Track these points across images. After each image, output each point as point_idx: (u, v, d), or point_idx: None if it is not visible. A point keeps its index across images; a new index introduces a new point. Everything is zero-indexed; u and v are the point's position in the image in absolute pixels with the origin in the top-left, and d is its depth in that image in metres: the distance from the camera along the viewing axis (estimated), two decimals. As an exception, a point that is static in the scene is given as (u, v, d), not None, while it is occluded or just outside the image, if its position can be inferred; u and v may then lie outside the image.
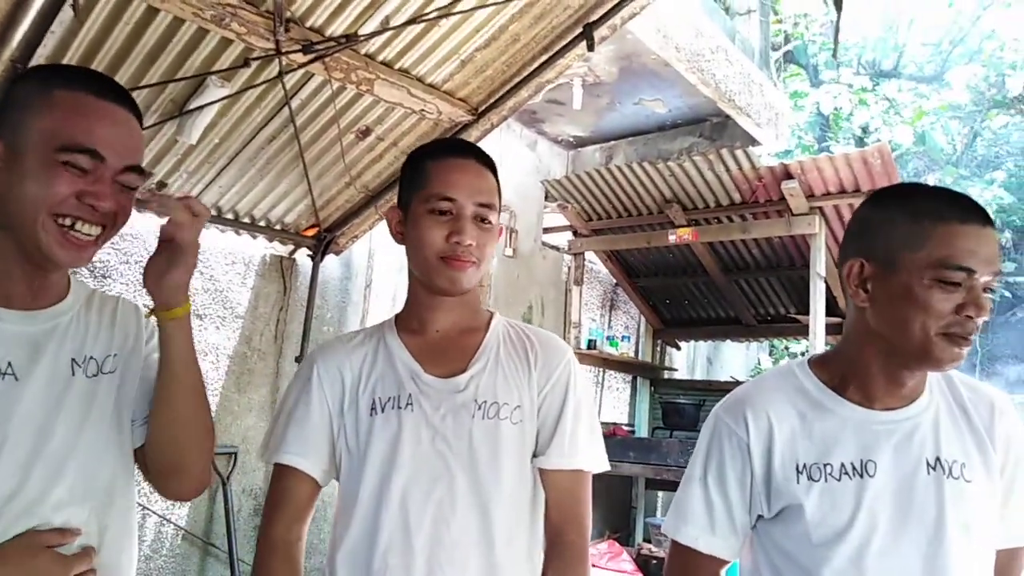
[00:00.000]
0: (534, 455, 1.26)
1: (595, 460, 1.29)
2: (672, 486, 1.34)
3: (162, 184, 2.98)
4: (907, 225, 1.12)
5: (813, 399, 1.20)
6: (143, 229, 3.10)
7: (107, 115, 1.06)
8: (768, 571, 1.19)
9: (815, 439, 1.17)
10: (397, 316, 1.36)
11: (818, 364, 1.25)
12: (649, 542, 5.07)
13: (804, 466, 1.15)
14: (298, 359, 3.67)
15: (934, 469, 1.13)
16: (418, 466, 1.20)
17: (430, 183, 1.25)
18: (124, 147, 1.06)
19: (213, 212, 3.24)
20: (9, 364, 1.05)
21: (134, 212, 1.12)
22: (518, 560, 1.22)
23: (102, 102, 1.06)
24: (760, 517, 1.20)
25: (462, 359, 1.28)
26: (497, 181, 1.31)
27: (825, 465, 1.14)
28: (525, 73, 2.87)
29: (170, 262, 1.05)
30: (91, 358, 1.14)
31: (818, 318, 4.43)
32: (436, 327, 1.30)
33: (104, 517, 1.11)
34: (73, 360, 1.12)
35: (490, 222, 1.27)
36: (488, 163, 1.31)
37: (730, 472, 1.20)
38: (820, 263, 4.48)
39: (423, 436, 1.21)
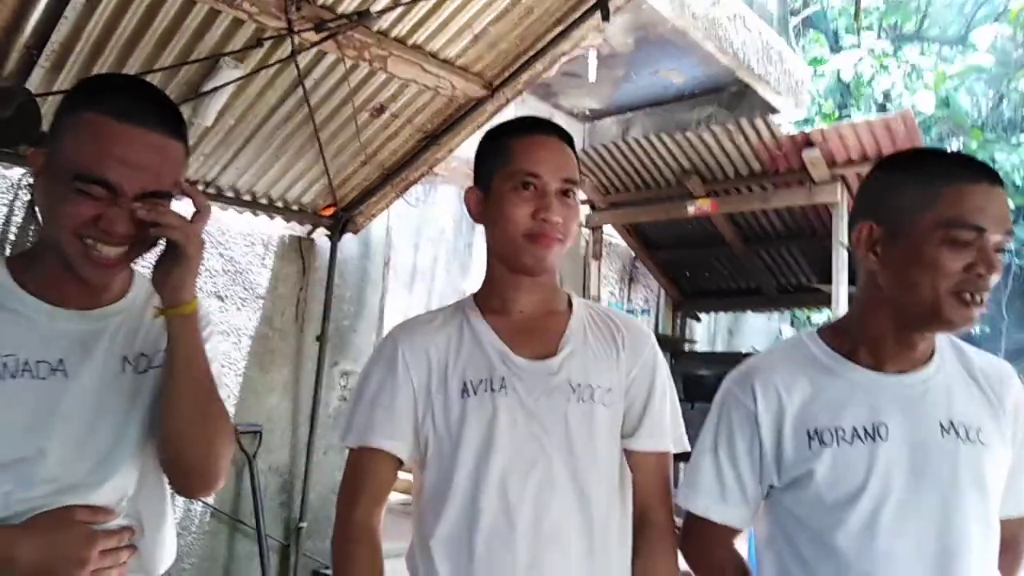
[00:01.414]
0: (621, 436, 1.27)
1: (680, 441, 1.30)
2: (694, 458, 1.34)
3: (179, 167, 2.99)
4: (916, 187, 1.12)
5: (823, 365, 1.21)
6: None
7: (127, 141, 1.03)
8: (782, 538, 1.20)
9: (826, 404, 1.17)
10: (475, 296, 1.34)
11: (828, 332, 1.26)
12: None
13: (815, 431, 1.16)
14: (319, 338, 3.70)
15: (948, 432, 1.13)
16: (515, 450, 1.19)
17: (514, 160, 1.24)
18: (144, 173, 1.04)
19: (230, 193, 3.26)
20: (61, 361, 1.09)
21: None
22: (613, 541, 1.23)
23: (124, 126, 1.03)
24: (772, 486, 1.21)
25: (550, 341, 1.27)
26: (577, 158, 1.31)
27: (837, 429, 1.15)
28: (539, 46, 2.84)
29: (174, 261, 1.07)
30: (143, 355, 1.17)
31: (841, 287, 4.38)
32: (520, 308, 1.29)
33: (140, 507, 1.14)
34: (124, 358, 1.15)
35: (574, 198, 1.26)
36: (569, 140, 1.30)
37: (740, 443, 1.21)
38: (843, 232, 4.42)
39: (519, 419, 1.20)
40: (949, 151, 1.19)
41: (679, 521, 1.30)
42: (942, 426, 1.13)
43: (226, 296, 3.47)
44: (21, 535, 1.01)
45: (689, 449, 1.32)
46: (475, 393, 1.22)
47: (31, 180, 2.76)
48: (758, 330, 7.77)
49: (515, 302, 1.29)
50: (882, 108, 10.41)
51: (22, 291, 1.10)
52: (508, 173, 1.24)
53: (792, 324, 9.02)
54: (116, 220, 1.04)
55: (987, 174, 1.11)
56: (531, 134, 1.27)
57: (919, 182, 1.12)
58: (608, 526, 1.22)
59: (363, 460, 1.26)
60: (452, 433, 1.22)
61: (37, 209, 1.12)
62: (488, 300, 1.32)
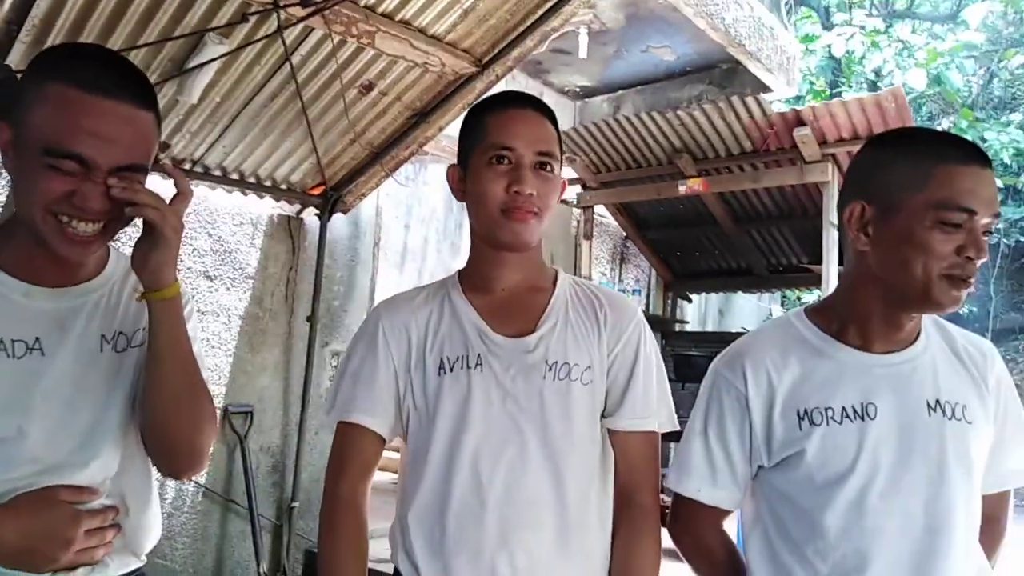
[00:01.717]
0: (603, 416, 1.24)
1: (666, 420, 1.27)
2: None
3: (165, 145, 2.95)
4: (908, 167, 1.12)
5: (812, 346, 1.21)
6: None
7: (99, 115, 0.99)
8: (770, 518, 1.20)
9: (816, 385, 1.17)
10: (460, 273, 1.33)
11: (816, 312, 1.26)
12: (663, 492, 5.14)
13: (805, 412, 1.16)
14: (309, 319, 3.68)
15: (935, 411, 1.14)
16: (489, 427, 1.18)
17: (488, 135, 1.23)
18: (117, 147, 1.01)
19: (218, 172, 3.23)
20: (37, 339, 1.06)
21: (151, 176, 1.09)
22: (590, 522, 1.21)
23: (94, 98, 0.99)
24: (760, 467, 1.21)
25: (530, 318, 1.25)
26: (557, 131, 1.28)
27: (827, 409, 1.15)
28: (529, 21, 2.80)
29: (152, 244, 1.04)
30: (121, 333, 1.14)
31: (831, 267, 4.39)
32: (502, 285, 1.27)
33: (124, 486, 1.13)
34: (103, 336, 1.12)
35: (552, 171, 1.23)
36: (547, 112, 1.28)
37: (730, 425, 1.21)
38: (833, 211, 4.41)
39: (493, 397, 1.19)
40: (940, 131, 1.18)
41: (668, 499, 1.30)
42: (929, 405, 1.14)
43: (215, 276, 3.44)
44: (4, 516, 1.00)
45: (679, 428, 1.29)
46: (451, 370, 1.22)
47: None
48: (748, 310, 7.80)
49: (497, 279, 1.28)
50: (873, 86, 10.40)
51: None
52: (483, 148, 1.23)
53: (782, 304, 9.06)
54: (90, 196, 1.00)
55: (978, 156, 1.11)
56: (507, 108, 1.25)
57: (911, 162, 1.12)
58: (585, 506, 1.20)
59: (347, 435, 1.26)
60: (429, 409, 1.22)
61: (11, 187, 1.07)
62: (471, 277, 1.31)
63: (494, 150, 1.21)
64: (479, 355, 1.22)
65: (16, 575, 1.01)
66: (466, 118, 1.31)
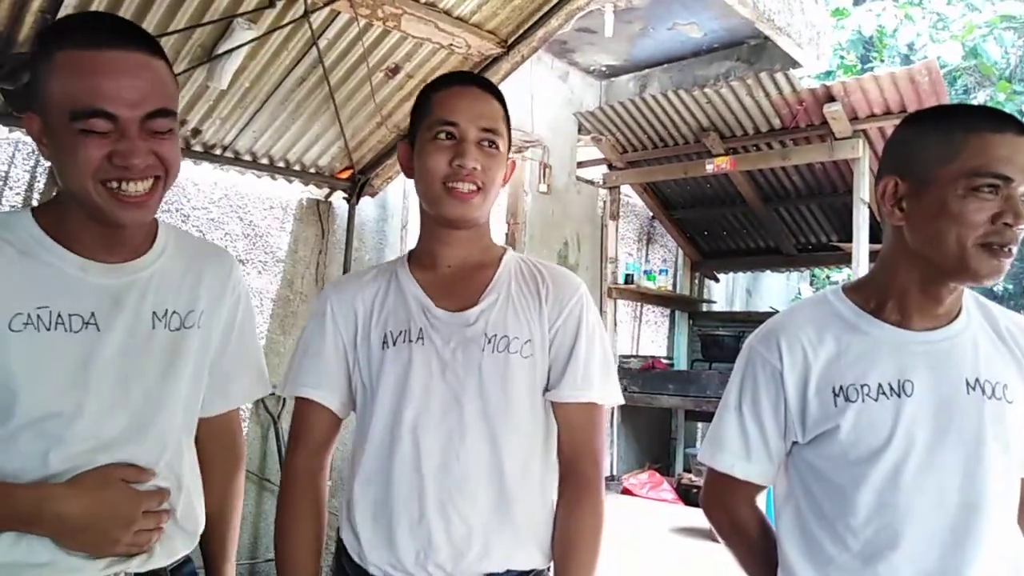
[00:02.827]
0: (547, 389, 1.26)
1: (608, 394, 1.28)
2: (711, 417, 1.33)
3: (196, 131, 3.00)
4: (940, 139, 1.10)
5: (849, 323, 1.19)
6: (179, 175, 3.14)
7: (112, 67, 0.98)
8: (802, 494, 1.20)
9: (851, 361, 1.16)
10: (411, 252, 1.37)
11: (853, 289, 1.24)
12: (689, 472, 5.14)
13: (841, 388, 1.15)
14: (339, 301, 3.72)
15: (974, 389, 1.12)
16: (429, 398, 1.21)
17: (433, 111, 1.25)
18: (139, 95, 0.99)
19: (248, 157, 3.26)
20: (92, 315, 1.06)
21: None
22: (531, 492, 1.24)
23: (105, 53, 0.99)
24: (795, 443, 1.21)
25: (473, 293, 1.27)
26: (504, 110, 1.30)
27: (862, 386, 1.14)
28: (554, 1, 2.79)
29: None
30: (174, 312, 1.15)
31: (861, 245, 4.33)
32: (448, 262, 1.30)
33: (179, 467, 1.15)
34: (154, 314, 1.13)
35: (496, 148, 1.25)
36: (492, 90, 1.30)
37: (764, 401, 1.20)
38: (864, 188, 4.35)
39: (433, 369, 1.22)
40: (977, 104, 1.16)
41: (698, 479, 1.30)
42: (968, 383, 1.13)
43: (247, 260, 3.50)
44: (68, 493, 1.01)
45: (623, 402, 1.32)
46: (394, 344, 1.25)
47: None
48: (777, 290, 7.72)
49: (442, 257, 1.30)
50: (906, 60, 10.17)
51: (54, 242, 1.07)
52: (428, 124, 1.25)
53: (811, 283, 8.95)
54: (131, 153, 1.00)
55: (1013, 124, 1.08)
56: (451, 86, 1.28)
57: (943, 134, 1.10)
58: (526, 478, 1.22)
59: (299, 410, 1.31)
60: (372, 383, 1.26)
61: (55, 171, 1.09)
62: (419, 255, 1.34)
63: (438, 125, 1.23)
64: (421, 329, 1.25)
65: (76, 562, 1.02)
66: (417, 97, 1.34)
